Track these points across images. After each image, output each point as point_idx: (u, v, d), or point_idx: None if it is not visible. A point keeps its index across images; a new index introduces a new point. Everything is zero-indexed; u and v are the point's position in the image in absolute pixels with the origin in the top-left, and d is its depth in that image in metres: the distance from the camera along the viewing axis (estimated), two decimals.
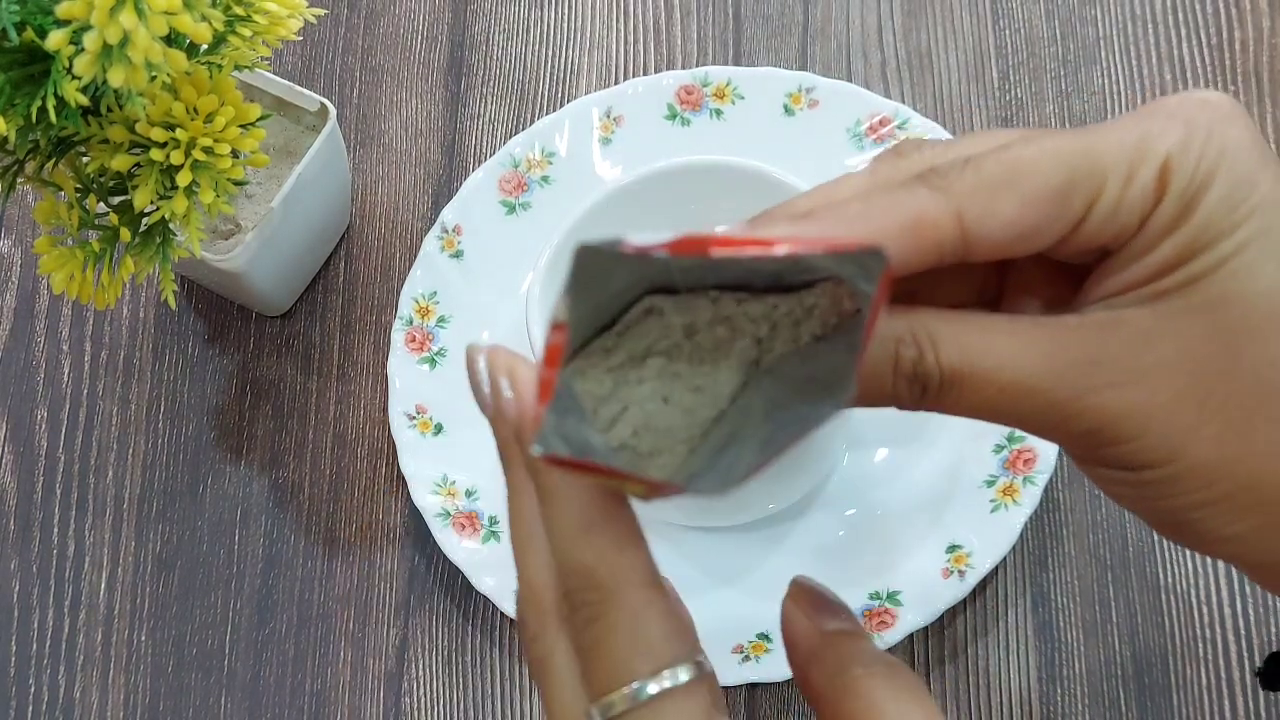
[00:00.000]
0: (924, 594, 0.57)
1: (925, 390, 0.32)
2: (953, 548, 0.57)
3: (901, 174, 0.33)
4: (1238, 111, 0.32)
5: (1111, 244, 0.32)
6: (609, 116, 0.66)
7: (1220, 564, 0.58)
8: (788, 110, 0.65)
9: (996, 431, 0.59)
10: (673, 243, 0.28)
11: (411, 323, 0.63)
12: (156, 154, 0.49)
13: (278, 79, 0.62)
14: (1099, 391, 0.32)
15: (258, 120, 0.51)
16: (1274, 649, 0.57)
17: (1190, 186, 0.31)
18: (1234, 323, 0.31)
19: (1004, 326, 0.32)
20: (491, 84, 0.69)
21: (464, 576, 0.59)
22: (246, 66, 0.53)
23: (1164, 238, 0.32)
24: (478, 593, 0.59)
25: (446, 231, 0.64)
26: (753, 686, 0.58)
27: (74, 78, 0.45)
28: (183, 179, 0.50)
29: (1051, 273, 0.35)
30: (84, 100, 0.46)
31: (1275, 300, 0.31)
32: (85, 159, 0.52)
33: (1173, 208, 0.31)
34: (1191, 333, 0.32)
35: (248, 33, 0.51)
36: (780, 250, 0.28)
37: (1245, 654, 0.57)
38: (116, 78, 0.44)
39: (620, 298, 0.31)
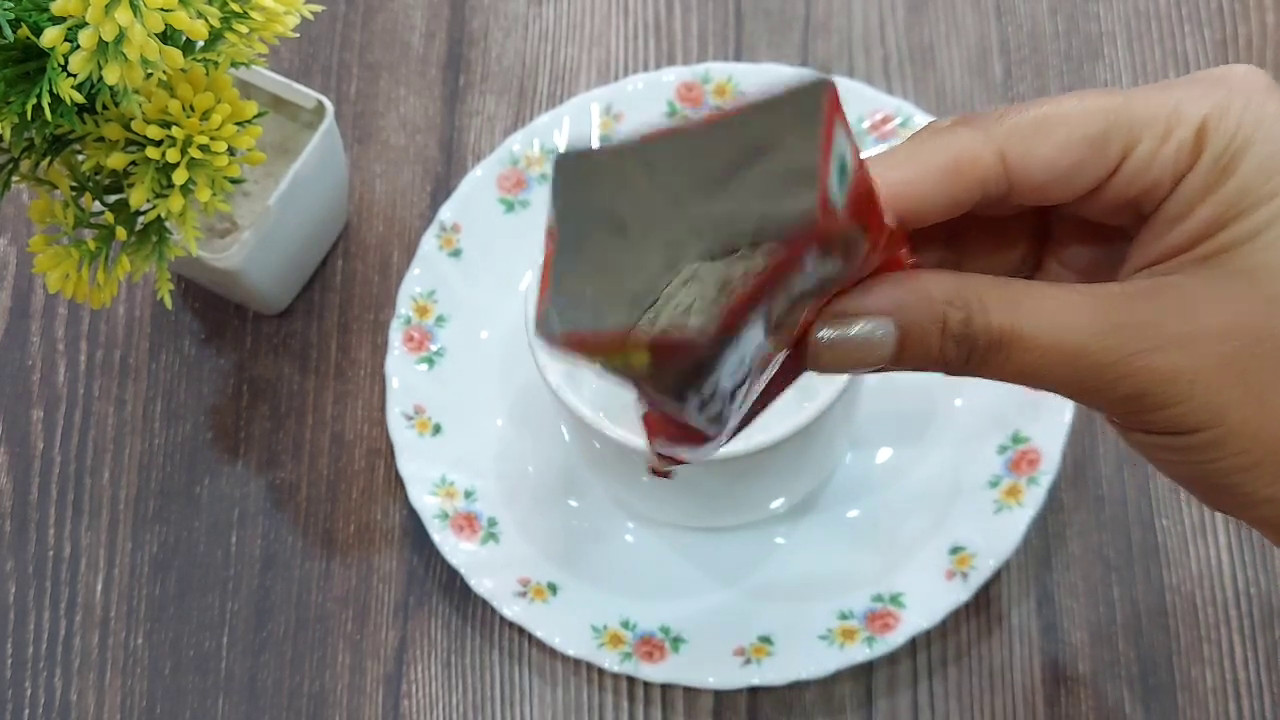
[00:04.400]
0: (928, 596, 0.56)
1: (972, 352, 0.33)
2: (956, 549, 0.57)
3: (944, 124, 0.35)
4: (1275, 86, 0.34)
5: (1145, 200, 0.34)
6: (609, 113, 0.65)
7: (1225, 565, 0.58)
8: None
9: (1000, 432, 0.59)
10: (644, 134, 0.30)
11: (410, 322, 0.62)
12: (152, 152, 0.49)
13: (274, 76, 0.61)
14: (1145, 355, 0.33)
15: (254, 118, 0.51)
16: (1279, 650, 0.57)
17: (1227, 151, 0.32)
18: (1272, 292, 0.32)
19: (1051, 292, 0.33)
20: (490, 80, 0.69)
21: (463, 578, 0.58)
22: (243, 63, 0.53)
23: (1201, 200, 0.33)
24: (476, 594, 0.58)
25: (445, 229, 0.64)
26: (754, 690, 0.57)
27: (69, 75, 0.45)
28: (179, 177, 0.49)
29: (1089, 246, 0.37)
30: (79, 98, 0.46)
31: None
32: (81, 157, 0.52)
33: (1209, 169, 0.33)
34: (1234, 300, 0.33)
35: (244, 29, 0.51)
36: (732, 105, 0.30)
37: (1251, 655, 0.57)
38: (112, 75, 0.44)
39: (649, 248, 0.33)
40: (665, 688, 0.58)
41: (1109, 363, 0.33)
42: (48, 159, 0.52)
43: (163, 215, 0.51)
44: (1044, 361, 0.33)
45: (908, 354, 0.33)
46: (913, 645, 0.58)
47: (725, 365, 0.30)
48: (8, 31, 0.46)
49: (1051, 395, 0.59)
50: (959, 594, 0.56)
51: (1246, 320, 0.32)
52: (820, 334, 0.33)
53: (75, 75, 0.44)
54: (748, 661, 0.56)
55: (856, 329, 0.33)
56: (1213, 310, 0.32)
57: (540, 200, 0.64)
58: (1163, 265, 0.33)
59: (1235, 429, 0.33)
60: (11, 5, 0.46)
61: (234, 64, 0.52)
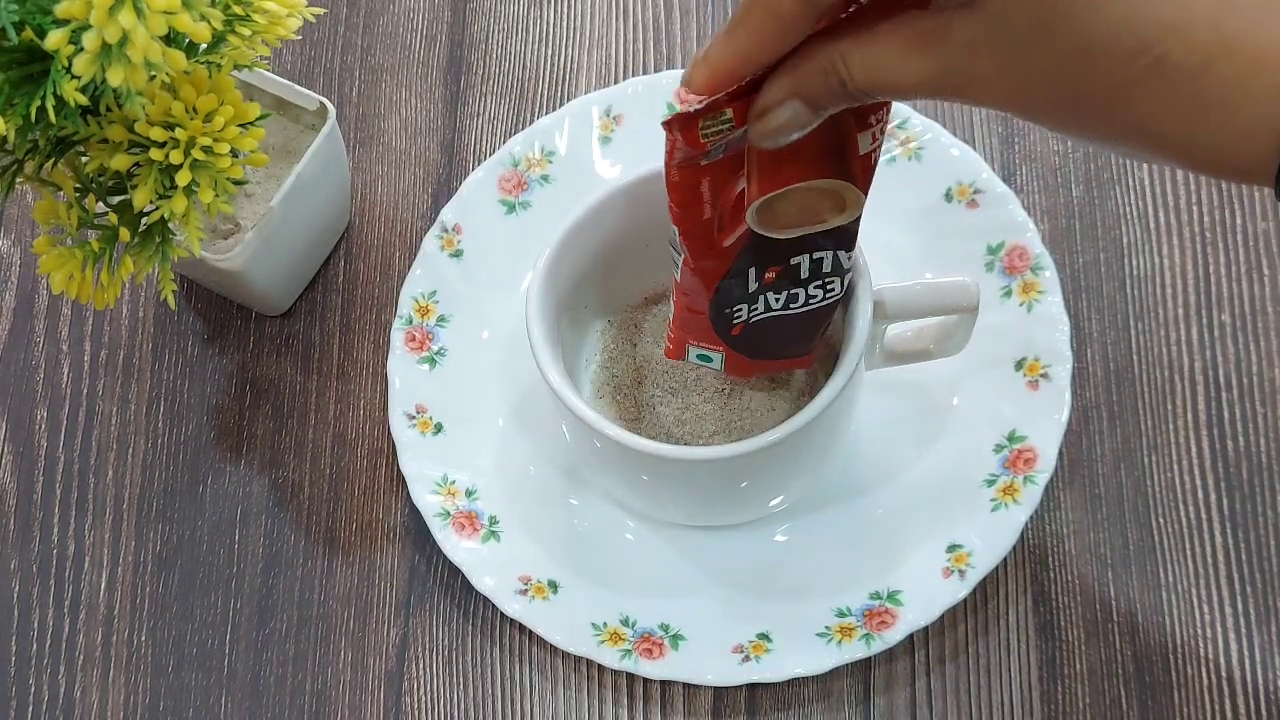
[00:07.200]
0: (925, 593, 0.57)
1: (852, 99, 0.40)
2: (953, 547, 0.57)
3: None
4: None
5: None
6: (609, 115, 0.66)
7: (1220, 563, 0.58)
8: None
9: (996, 431, 0.59)
10: None
11: (411, 322, 0.63)
12: (156, 153, 0.49)
13: (277, 78, 0.62)
14: (962, 91, 0.38)
15: (257, 119, 0.51)
16: (1275, 647, 0.57)
17: None
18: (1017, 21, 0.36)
19: (897, 38, 0.38)
20: (491, 83, 0.69)
21: (464, 576, 0.59)
22: (246, 66, 0.53)
23: None
24: (478, 592, 0.59)
25: (446, 231, 0.64)
26: (753, 687, 0.58)
27: (73, 77, 0.45)
28: (182, 178, 0.50)
29: None
30: (83, 100, 0.46)
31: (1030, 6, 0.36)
32: (84, 158, 0.52)
33: None
34: (1001, 39, 0.37)
35: (247, 32, 0.51)
36: None
37: (1246, 652, 0.57)
38: (115, 77, 0.44)
39: None
40: (665, 685, 0.58)
41: (944, 94, 0.39)
42: (52, 160, 0.52)
43: (166, 216, 0.51)
44: (899, 96, 0.39)
45: (820, 113, 0.40)
46: (910, 642, 0.58)
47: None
48: (12, 34, 0.46)
49: (1048, 395, 0.59)
50: (956, 592, 0.56)
51: (1014, 62, 0.37)
52: (753, 132, 0.40)
53: (79, 77, 0.45)
54: (746, 658, 0.57)
55: (775, 118, 0.40)
56: (986, 59, 0.37)
57: (540, 202, 0.65)
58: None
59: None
60: (16, 8, 0.47)
61: (237, 66, 0.53)
